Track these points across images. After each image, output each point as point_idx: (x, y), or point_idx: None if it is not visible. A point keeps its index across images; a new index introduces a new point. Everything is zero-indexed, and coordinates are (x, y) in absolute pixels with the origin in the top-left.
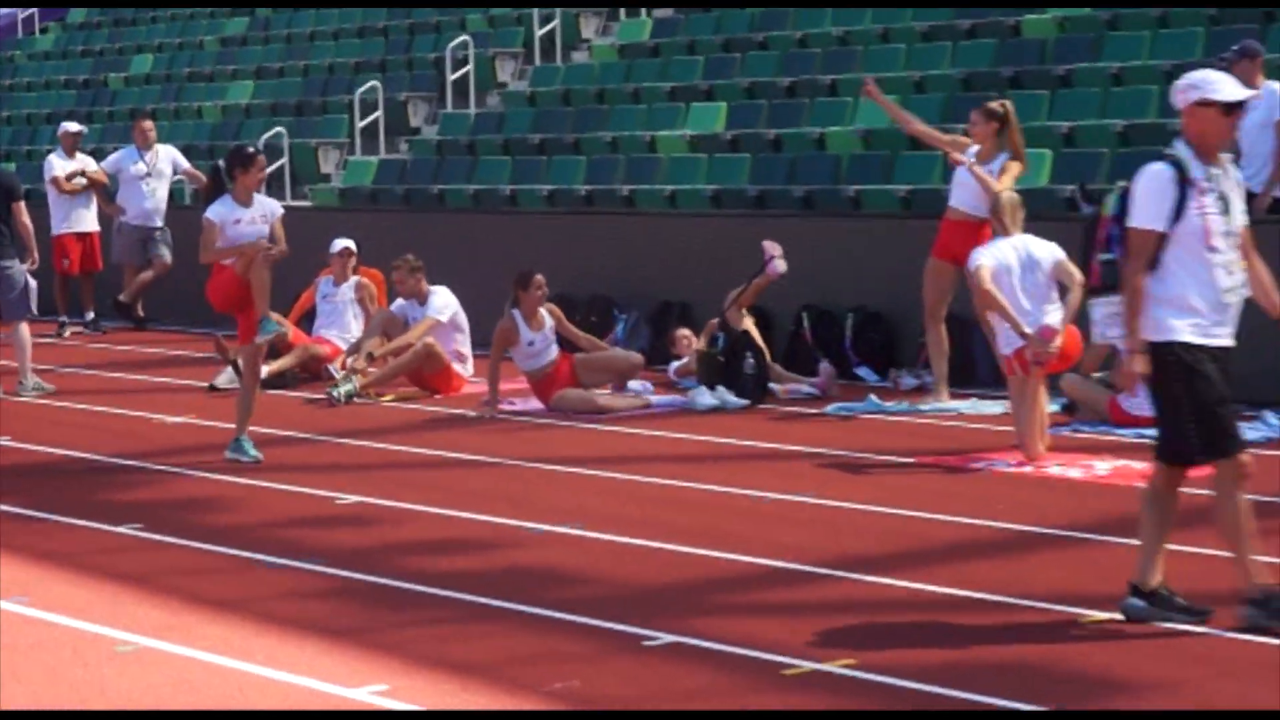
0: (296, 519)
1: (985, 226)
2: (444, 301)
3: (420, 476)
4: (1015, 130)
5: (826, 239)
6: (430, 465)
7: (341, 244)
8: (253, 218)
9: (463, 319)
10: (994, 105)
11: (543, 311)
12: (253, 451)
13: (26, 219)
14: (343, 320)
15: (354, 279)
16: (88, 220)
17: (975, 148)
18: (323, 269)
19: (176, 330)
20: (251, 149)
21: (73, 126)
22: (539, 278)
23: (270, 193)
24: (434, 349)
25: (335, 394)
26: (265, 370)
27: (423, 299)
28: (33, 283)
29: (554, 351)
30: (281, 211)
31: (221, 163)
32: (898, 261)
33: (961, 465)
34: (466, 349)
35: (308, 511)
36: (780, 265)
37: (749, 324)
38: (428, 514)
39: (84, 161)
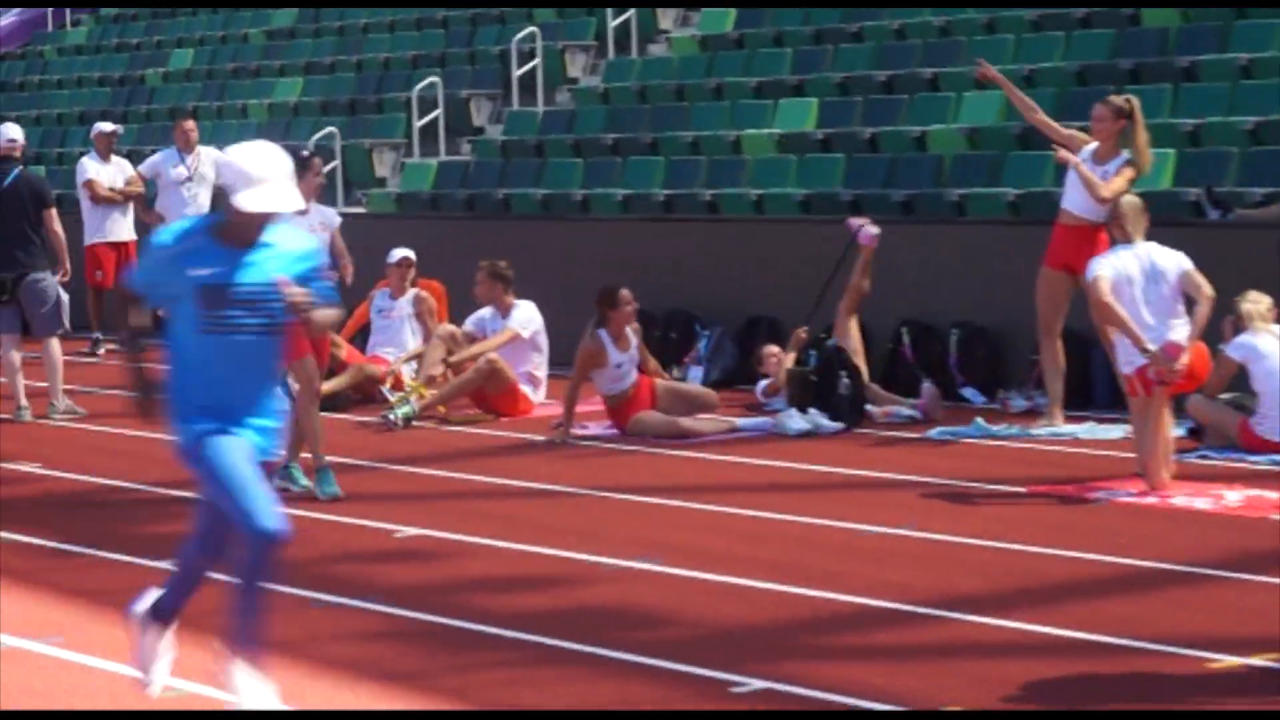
0: (351, 554)
1: (1101, 232)
2: (528, 316)
3: (485, 507)
4: (1140, 128)
5: (928, 247)
6: (496, 495)
7: (399, 254)
8: (311, 228)
9: (543, 340)
10: (1120, 100)
11: (629, 330)
12: (304, 480)
13: (58, 227)
14: (400, 337)
15: (412, 291)
16: (124, 228)
17: (1092, 145)
18: (379, 281)
19: None
20: (306, 152)
21: (107, 127)
22: (626, 293)
23: (323, 199)
24: (497, 366)
25: (393, 416)
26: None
27: (505, 311)
28: (64, 296)
29: (635, 373)
30: (340, 220)
31: None
32: (1006, 271)
33: (1078, 495)
34: (542, 372)
35: (364, 545)
36: (873, 228)
37: (856, 335)
38: (493, 548)
39: (120, 165)
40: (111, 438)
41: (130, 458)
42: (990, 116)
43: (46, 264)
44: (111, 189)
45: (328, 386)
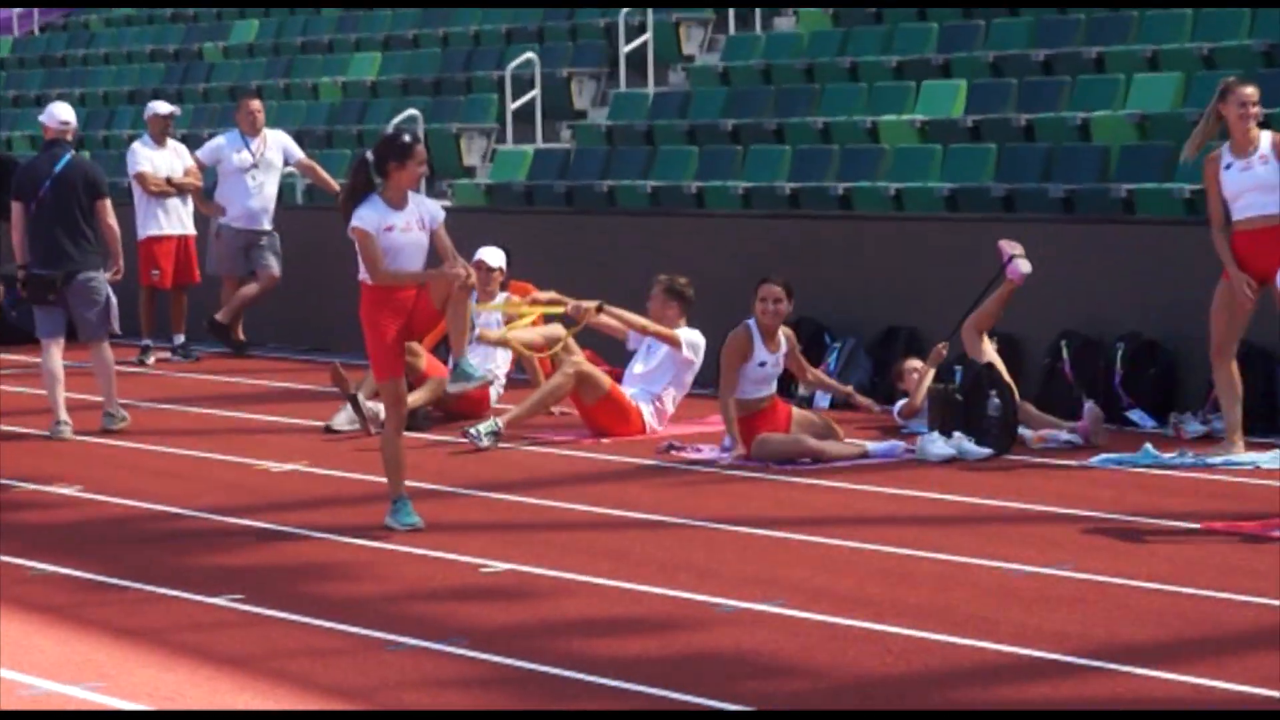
0: (431, 590)
1: None
2: (696, 341)
3: (584, 540)
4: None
5: (1091, 250)
6: (597, 526)
7: (488, 254)
8: (407, 224)
9: (690, 377)
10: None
11: (781, 333)
12: (411, 518)
13: (113, 219)
14: (486, 349)
15: (502, 296)
16: (184, 220)
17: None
18: None
19: (284, 357)
20: (408, 136)
21: (163, 108)
22: (769, 289)
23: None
24: (584, 371)
25: (476, 432)
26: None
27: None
28: (114, 297)
29: (774, 387)
30: (444, 216)
31: (370, 154)
32: (1180, 278)
33: (1261, 533)
34: (669, 407)
35: (445, 581)
36: (1024, 266)
37: (991, 353)
38: (593, 585)
39: (177, 151)
40: (160, 457)
41: (181, 480)
42: (1164, 102)
43: (99, 261)
44: (168, 180)
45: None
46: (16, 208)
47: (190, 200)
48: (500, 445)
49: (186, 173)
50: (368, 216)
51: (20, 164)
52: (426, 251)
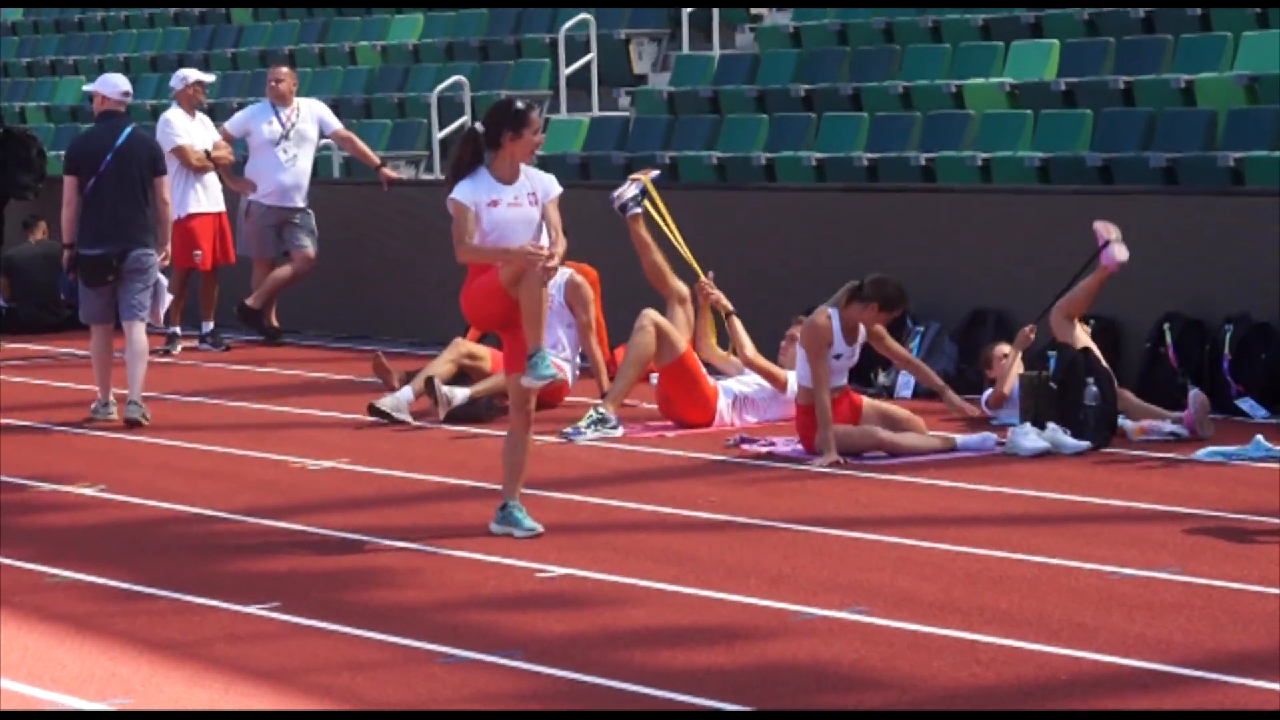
0: (484, 598)
1: None
2: None
3: (648, 542)
4: None
5: (1197, 225)
6: (661, 527)
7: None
8: (517, 198)
9: (781, 411)
10: None
11: (863, 328)
12: (528, 522)
13: (169, 195)
14: (551, 333)
15: (565, 273)
16: (218, 195)
17: None
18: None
19: (321, 345)
20: (522, 103)
21: (195, 75)
22: (896, 290)
23: (448, 161)
24: (662, 324)
25: (574, 430)
26: (463, 394)
27: None
28: (165, 281)
29: (845, 377)
30: (559, 191)
31: (480, 125)
32: None
33: None
34: (752, 415)
35: (499, 588)
36: (1120, 253)
37: (1086, 339)
38: (659, 592)
39: (204, 123)
40: (188, 455)
41: (211, 479)
42: (1274, 63)
43: (153, 240)
44: (208, 154)
45: (475, 390)
46: (70, 183)
47: (214, 176)
48: (610, 431)
49: (216, 146)
50: (468, 190)
51: (71, 140)
52: (539, 228)
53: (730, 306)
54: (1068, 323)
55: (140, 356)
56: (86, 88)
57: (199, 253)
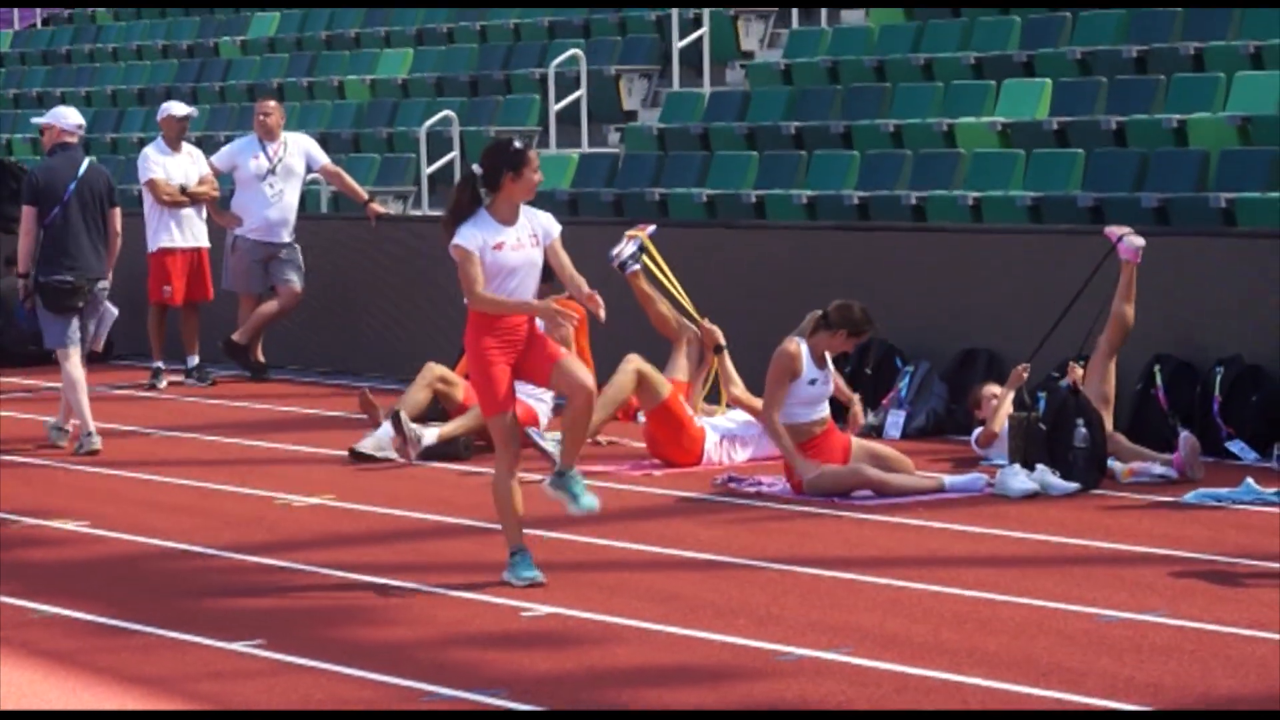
0: (469, 636)
1: None
2: None
3: (634, 581)
4: None
5: (1187, 265)
6: (648, 566)
7: None
8: (519, 240)
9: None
10: None
11: (828, 354)
12: (528, 572)
13: (119, 226)
14: None
15: None
16: (197, 232)
17: None
18: None
19: (306, 381)
20: (519, 143)
21: (179, 109)
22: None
23: (436, 198)
24: (645, 370)
25: (539, 435)
26: (431, 435)
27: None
28: (112, 310)
29: (827, 408)
30: (559, 229)
31: (477, 167)
32: None
33: None
34: (740, 452)
35: (484, 626)
36: (1137, 240)
37: (1111, 377)
38: (643, 631)
39: (193, 156)
40: (173, 490)
41: (196, 515)
42: (1268, 103)
43: (106, 270)
44: (182, 190)
45: (445, 430)
46: (29, 213)
47: (205, 210)
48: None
49: (202, 180)
50: (471, 234)
51: (30, 170)
52: (541, 269)
53: (723, 341)
54: (1109, 357)
55: (75, 385)
56: (37, 120)
57: (168, 288)
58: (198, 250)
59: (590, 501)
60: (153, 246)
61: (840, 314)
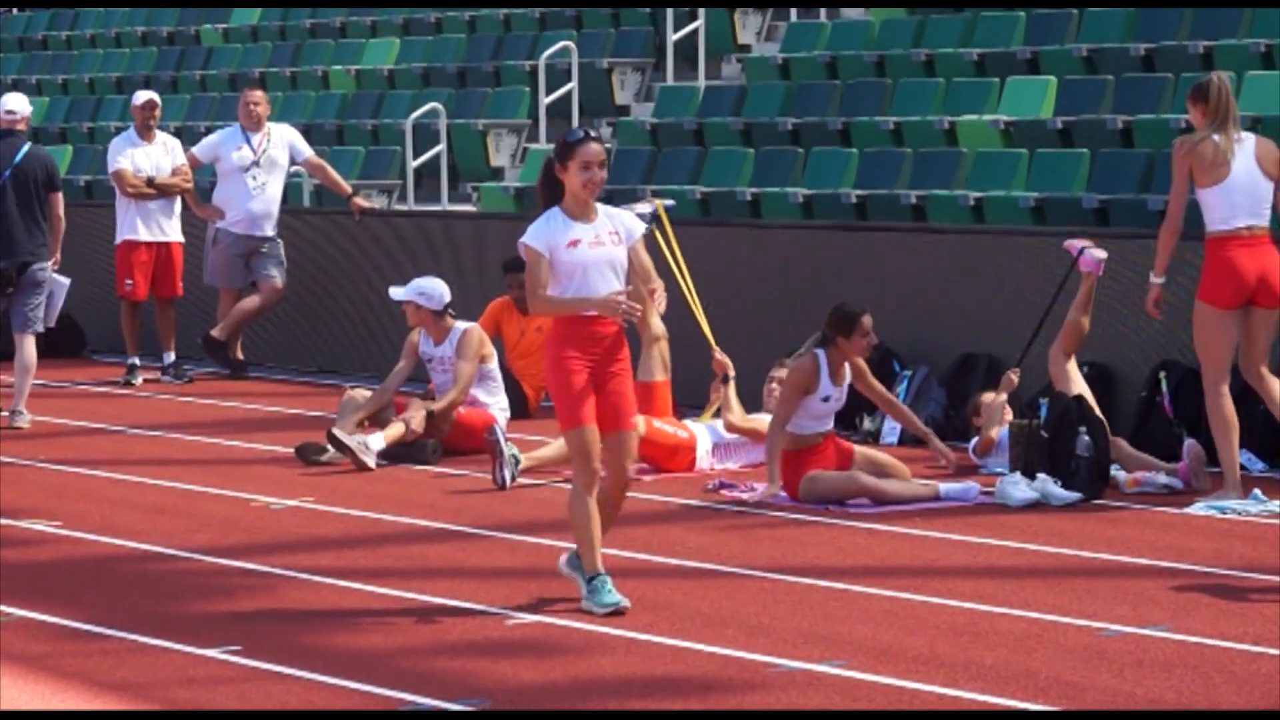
0: (451, 644)
1: None
2: None
3: (624, 589)
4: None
5: (1195, 270)
6: (636, 574)
7: (410, 292)
8: (597, 237)
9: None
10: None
11: (847, 366)
12: (613, 597)
13: (61, 211)
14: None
15: (458, 329)
16: (166, 224)
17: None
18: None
19: (287, 379)
20: (581, 133)
21: (142, 97)
22: (868, 321)
23: (422, 192)
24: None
25: (497, 436)
26: (377, 440)
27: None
28: (59, 291)
29: (832, 421)
30: (643, 229)
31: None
32: None
33: None
34: (733, 461)
35: (466, 634)
36: (1098, 253)
37: (1081, 383)
38: (631, 641)
39: (168, 146)
40: (148, 490)
41: (171, 516)
42: (1278, 102)
43: (46, 253)
44: (149, 181)
45: (389, 433)
46: None
47: (177, 203)
48: (519, 480)
49: (175, 171)
50: (539, 233)
51: None
52: (625, 270)
53: (732, 372)
54: (1064, 361)
55: (28, 370)
56: None
57: (129, 282)
58: (164, 245)
59: (619, 600)
60: (118, 238)
61: (832, 319)
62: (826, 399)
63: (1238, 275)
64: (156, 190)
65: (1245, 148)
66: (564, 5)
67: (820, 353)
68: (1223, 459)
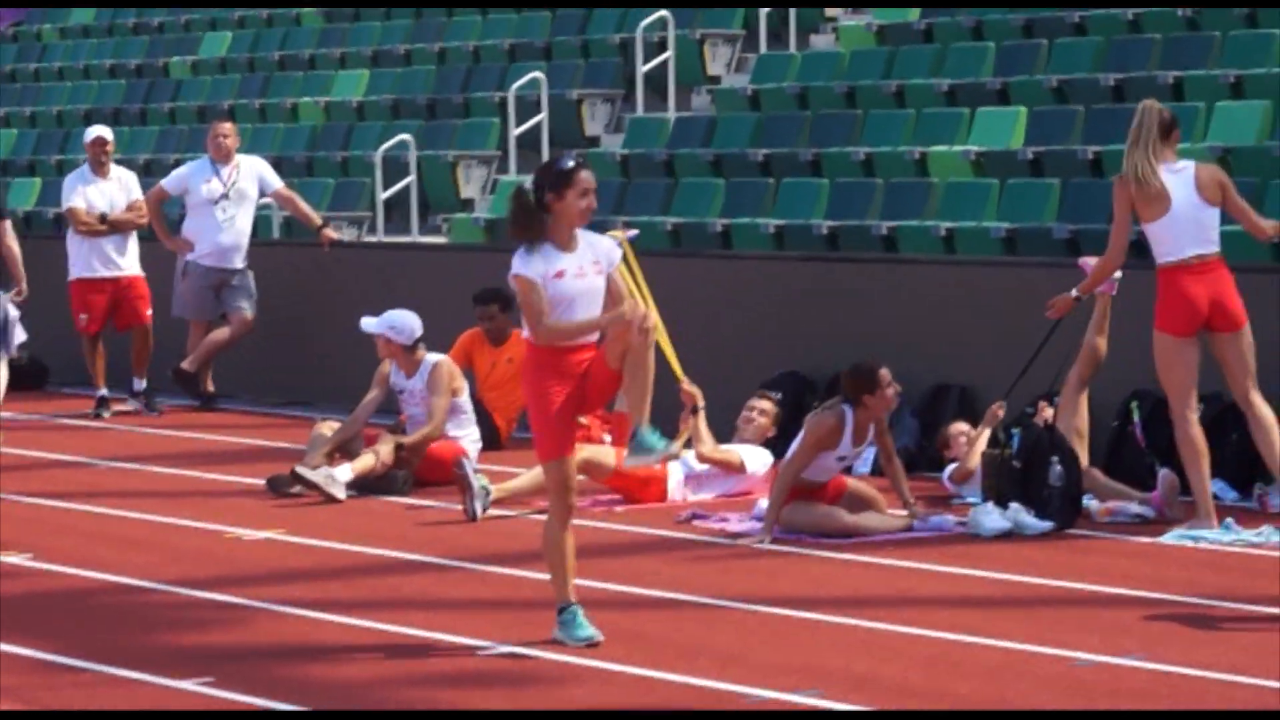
0: (423, 675)
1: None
2: (765, 459)
3: (596, 620)
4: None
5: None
6: (608, 605)
7: (379, 323)
8: (581, 268)
9: (741, 485)
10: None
11: (872, 425)
12: (586, 630)
13: (12, 240)
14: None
15: (429, 361)
16: (119, 259)
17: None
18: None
19: (257, 412)
20: (572, 162)
21: (92, 134)
22: (886, 372)
23: (392, 224)
24: (584, 460)
25: (467, 467)
26: (344, 471)
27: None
28: (14, 312)
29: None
30: (620, 255)
31: (528, 184)
32: (1270, 331)
33: None
34: (706, 492)
35: (438, 665)
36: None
37: (1084, 411)
38: (604, 671)
39: (122, 181)
40: (119, 523)
41: (143, 548)
42: (1248, 134)
43: (1, 283)
44: (102, 218)
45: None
46: None
47: (133, 237)
48: (490, 512)
49: (130, 207)
50: (530, 262)
51: None
52: (604, 299)
53: (701, 404)
54: (1081, 387)
55: None
56: None
57: (84, 316)
58: (122, 279)
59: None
60: (70, 276)
61: (851, 379)
62: (842, 458)
63: (1189, 303)
64: (110, 227)
65: (1184, 177)
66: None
67: (847, 411)
68: (1194, 487)
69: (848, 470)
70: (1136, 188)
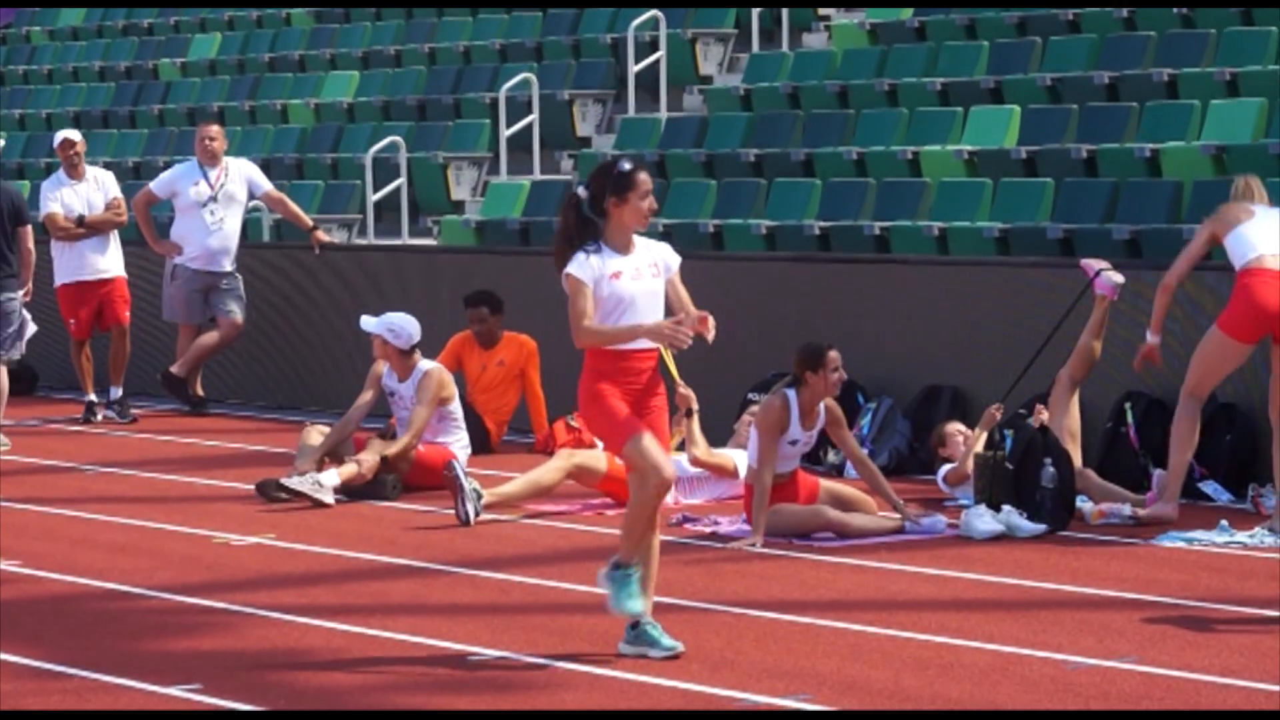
0: (414, 681)
1: None
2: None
3: (584, 625)
4: None
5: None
6: (600, 609)
7: (380, 323)
8: (638, 270)
9: (733, 490)
10: None
11: (822, 406)
12: (666, 641)
13: (31, 244)
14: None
15: (422, 367)
16: (100, 262)
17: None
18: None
19: (247, 416)
20: (628, 165)
21: (59, 138)
22: (835, 355)
23: (382, 226)
24: (576, 465)
25: (457, 470)
26: (331, 477)
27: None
28: (29, 318)
29: (798, 461)
30: (679, 261)
31: (582, 189)
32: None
33: None
34: (698, 496)
35: (429, 670)
36: (1115, 276)
37: (1075, 412)
38: (594, 676)
39: (98, 181)
40: (108, 528)
41: (132, 554)
42: (1243, 132)
43: (15, 284)
44: (80, 220)
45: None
46: None
47: (113, 237)
48: (483, 516)
49: (108, 206)
50: (585, 264)
51: None
52: (664, 303)
53: (695, 406)
54: (1072, 387)
55: (0, 397)
56: None
57: (72, 321)
58: (106, 282)
59: (671, 644)
60: (56, 281)
61: (799, 355)
62: (794, 442)
63: (1260, 310)
64: (88, 229)
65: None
66: (528, 15)
67: (790, 393)
68: (1172, 464)
69: (824, 463)
70: (1225, 213)
